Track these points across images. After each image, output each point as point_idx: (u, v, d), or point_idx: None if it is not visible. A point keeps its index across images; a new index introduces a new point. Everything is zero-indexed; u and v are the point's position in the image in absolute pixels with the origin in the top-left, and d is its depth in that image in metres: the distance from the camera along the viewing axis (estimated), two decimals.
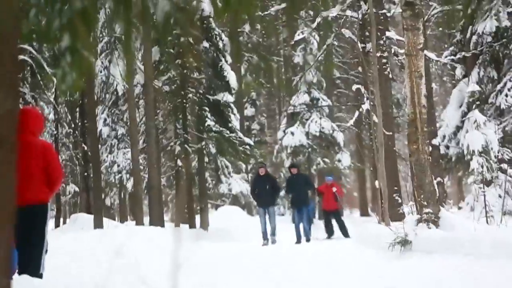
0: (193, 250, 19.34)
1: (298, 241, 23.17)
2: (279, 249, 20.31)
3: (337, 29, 45.55)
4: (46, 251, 8.36)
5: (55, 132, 40.07)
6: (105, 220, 33.57)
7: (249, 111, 56.59)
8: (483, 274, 11.06)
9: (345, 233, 26.11)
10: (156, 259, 13.90)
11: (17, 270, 7.81)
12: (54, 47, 5.04)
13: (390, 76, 44.25)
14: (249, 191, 28.86)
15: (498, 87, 30.92)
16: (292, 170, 24.75)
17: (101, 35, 39.27)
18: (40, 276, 7.96)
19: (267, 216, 23.02)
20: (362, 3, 41.64)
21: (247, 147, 35.71)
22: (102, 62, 42.02)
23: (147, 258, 15.58)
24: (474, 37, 31.77)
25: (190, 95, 34.76)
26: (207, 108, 34.82)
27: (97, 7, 4.96)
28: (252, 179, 26.51)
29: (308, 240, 23.46)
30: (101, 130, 43.53)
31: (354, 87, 46.83)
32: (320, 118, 46.07)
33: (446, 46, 40.72)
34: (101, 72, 42.07)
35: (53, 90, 34.34)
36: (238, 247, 21.16)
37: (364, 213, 59.67)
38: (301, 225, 23.72)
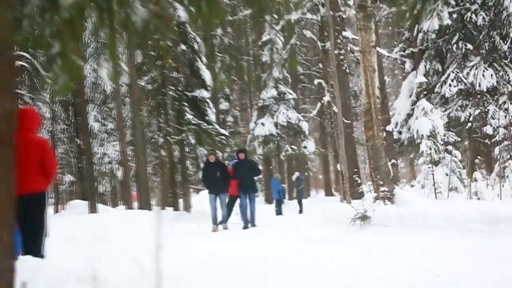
0: (175, 228, 19.38)
1: (245, 226, 20.36)
2: (245, 230, 19.68)
3: (299, 30, 45.72)
4: (47, 234, 8.36)
5: (51, 129, 39.88)
6: (98, 205, 33.53)
7: (223, 105, 56.57)
8: (433, 243, 11.15)
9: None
10: (143, 238, 13.89)
11: (21, 252, 7.81)
12: (47, 52, 5.06)
13: (347, 71, 44.50)
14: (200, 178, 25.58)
15: (443, 78, 31.10)
16: (239, 155, 21.36)
17: (89, 41, 39.08)
18: (41, 256, 7.96)
19: (218, 202, 20.49)
20: (320, 6, 41.77)
21: (223, 137, 35.75)
22: (90, 65, 41.87)
23: (135, 238, 15.58)
24: (420, 35, 31.91)
25: (170, 92, 34.73)
26: (186, 104, 34.81)
27: (84, 16, 4.94)
28: (202, 167, 23.37)
29: (253, 225, 20.58)
30: (92, 125, 43.39)
31: (316, 81, 47.14)
32: (287, 110, 46.17)
33: (396, 43, 40.78)
34: (90, 74, 41.89)
35: (48, 91, 34.16)
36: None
37: (328, 193, 59.98)
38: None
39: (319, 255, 10.57)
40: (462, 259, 8.99)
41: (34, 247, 8.02)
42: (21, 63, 30.03)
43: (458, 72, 30.45)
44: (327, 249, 11.55)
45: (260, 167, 38.63)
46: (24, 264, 6.63)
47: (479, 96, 30.13)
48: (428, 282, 7.29)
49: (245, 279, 8.23)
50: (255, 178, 21.73)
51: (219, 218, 20.81)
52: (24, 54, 29.44)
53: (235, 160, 21.77)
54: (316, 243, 12.78)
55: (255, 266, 9.47)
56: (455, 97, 30.72)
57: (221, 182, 20.40)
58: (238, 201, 21.28)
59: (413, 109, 30.43)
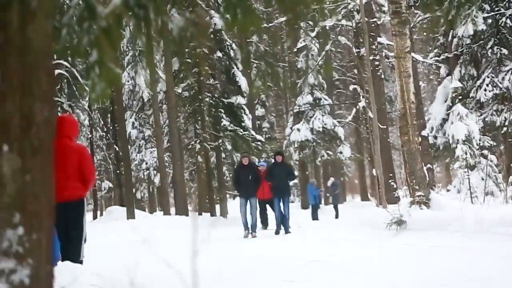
0: (211, 234, 19.40)
1: (278, 231, 19.69)
2: (281, 236, 19.04)
3: (334, 36, 45.66)
4: (85, 240, 8.42)
5: (90, 136, 40.25)
6: (136, 211, 33.71)
7: (259, 111, 56.56)
8: (469, 247, 11.07)
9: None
10: (180, 243, 13.93)
11: (60, 258, 7.87)
12: (85, 61, 5.10)
13: (382, 76, 44.29)
14: (232, 181, 24.72)
15: (478, 83, 30.88)
16: (277, 157, 20.46)
17: (127, 49, 39.38)
18: (80, 262, 8.02)
19: (248, 207, 19.56)
20: (355, 13, 41.67)
21: (259, 143, 35.78)
22: (128, 73, 42.21)
23: (172, 243, 15.62)
24: (455, 40, 31.73)
25: (207, 99, 34.86)
26: (222, 110, 34.92)
27: (121, 25, 4.98)
28: (235, 169, 22.94)
29: (287, 231, 19.78)
30: (130, 132, 43.77)
31: (351, 87, 47.08)
32: (323, 115, 46.14)
33: (431, 48, 40.57)
34: (128, 81, 42.27)
35: (87, 98, 34.46)
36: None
37: (364, 198, 59.66)
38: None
39: (356, 256, 10.55)
40: (494, 263, 8.91)
41: (72, 253, 8.07)
42: (60, 71, 30.35)
43: (493, 77, 30.23)
44: (364, 251, 11.52)
45: (296, 173, 38.62)
46: (63, 269, 6.68)
47: None
48: (458, 283, 7.27)
49: (284, 280, 8.23)
50: (290, 182, 21.03)
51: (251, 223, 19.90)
52: (63, 62, 29.74)
53: (262, 162, 21.35)
54: (353, 246, 12.75)
55: (292, 268, 9.46)
56: (490, 101, 30.49)
57: (252, 186, 19.54)
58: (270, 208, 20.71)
59: (448, 114, 30.29)
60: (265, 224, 23.49)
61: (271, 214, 22.00)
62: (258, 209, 20.89)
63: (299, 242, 15.10)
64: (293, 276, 8.68)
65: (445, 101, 32.34)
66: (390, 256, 10.63)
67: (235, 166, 25.12)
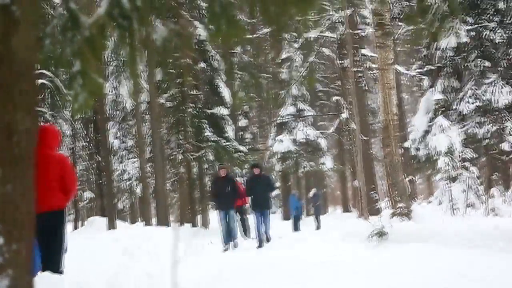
0: (192, 245, 19.35)
1: (260, 245, 19.19)
2: (265, 248, 18.93)
3: (317, 48, 45.74)
4: (66, 250, 8.39)
5: (72, 146, 40.13)
6: (117, 222, 33.59)
7: (242, 122, 56.53)
8: (450, 260, 11.10)
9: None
10: (161, 254, 13.88)
11: (40, 269, 7.84)
12: (68, 71, 5.06)
13: (365, 88, 44.48)
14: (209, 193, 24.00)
15: (460, 95, 30.96)
16: (254, 170, 20.09)
17: (110, 59, 39.30)
18: (60, 272, 7.99)
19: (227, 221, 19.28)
20: (339, 25, 41.84)
21: (242, 154, 35.82)
22: (111, 83, 42.11)
23: (153, 254, 15.57)
24: (438, 52, 31.81)
25: (190, 109, 34.87)
26: (205, 121, 34.94)
27: (104, 35, 4.98)
28: (212, 181, 22.34)
29: (267, 240, 19.74)
30: (112, 142, 43.66)
31: (334, 98, 47.24)
32: (305, 126, 46.25)
33: (414, 60, 40.74)
34: (111, 92, 42.15)
35: (70, 109, 34.33)
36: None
37: (345, 209, 59.73)
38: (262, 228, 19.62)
39: (335, 269, 10.55)
40: (477, 277, 8.92)
41: (53, 264, 8.04)
42: (42, 81, 30.22)
43: (475, 89, 30.33)
44: (343, 264, 11.52)
45: (278, 184, 38.63)
46: (43, 280, 6.65)
47: (496, 113, 30.00)
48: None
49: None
50: (270, 194, 20.62)
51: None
52: (46, 72, 29.62)
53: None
54: (332, 257, 12.75)
55: (269, 278, 9.47)
56: (472, 114, 30.59)
57: (231, 198, 19.22)
58: (252, 220, 20.44)
59: (430, 126, 30.36)
60: (247, 234, 23.38)
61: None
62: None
63: (276, 253, 15.10)
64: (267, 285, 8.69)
65: (428, 113, 32.41)
66: (369, 269, 10.64)
67: (212, 178, 24.69)
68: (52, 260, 8.07)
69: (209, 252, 17.85)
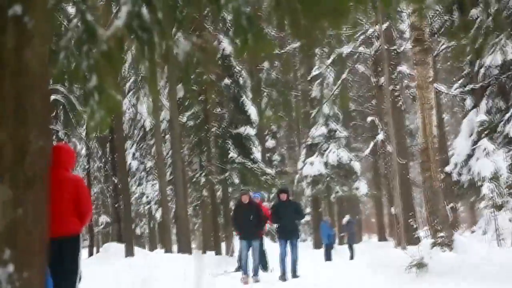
0: (216, 276, 19.31)
1: (282, 277, 18.59)
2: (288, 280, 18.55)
3: (351, 64, 45.66)
4: (80, 279, 8.39)
5: (87, 166, 40.26)
6: (135, 248, 33.59)
7: (270, 143, 56.56)
8: None
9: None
10: (182, 284, 13.88)
11: None
12: (83, 86, 5.09)
13: (403, 108, 44.28)
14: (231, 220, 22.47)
15: (506, 116, 30.75)
16: (281, 195, 19.45)
17: (128, 75, 39.48)
18: None
19: (250, 250, 18.78)
20: (374, 39, 41.80)
21: (269, 177, 35.79)
22: (129, 100, 42.31)
23: (173, 284, 15.56)
24: (482, 70, 31.67)
25: (213, 129, 34.95)
26: (229, 141, 34.99)
27: (123, 49, 5.00)
28: (234, 208, 21.55)
29: (294, 275, 18.89)
30: (130, 163, 43.81)
31: (369, 118, 47.01)
32: (338, 148, 46.06)
33: (455, 79, 40.57)
34: (129, 109, 42.36)
35: (84, 127, 34.48)
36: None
37: (381, 238, 59.41)
38: (288, 259, 18.98)
39: None
40: None
41: None
42: (56, 97, 30.40)
43: None
44: None
45: (308, 210, 38.53)
46: None
47: None
48: None
49: None
50: (298, 222, 20.25)
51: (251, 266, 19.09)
52: (60, 88, 29.80)
53: (256, 194, 20.86)
54: None
55: None
56: None
57: (254, 226, 18.66)
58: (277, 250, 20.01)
59: (473, 150, 30.19)
60: (265, 267, 23.02)
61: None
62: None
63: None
64: None
65: (470, 136, 32.23)
66: None
67: (234, 205, 24.25)
68: None
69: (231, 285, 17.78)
